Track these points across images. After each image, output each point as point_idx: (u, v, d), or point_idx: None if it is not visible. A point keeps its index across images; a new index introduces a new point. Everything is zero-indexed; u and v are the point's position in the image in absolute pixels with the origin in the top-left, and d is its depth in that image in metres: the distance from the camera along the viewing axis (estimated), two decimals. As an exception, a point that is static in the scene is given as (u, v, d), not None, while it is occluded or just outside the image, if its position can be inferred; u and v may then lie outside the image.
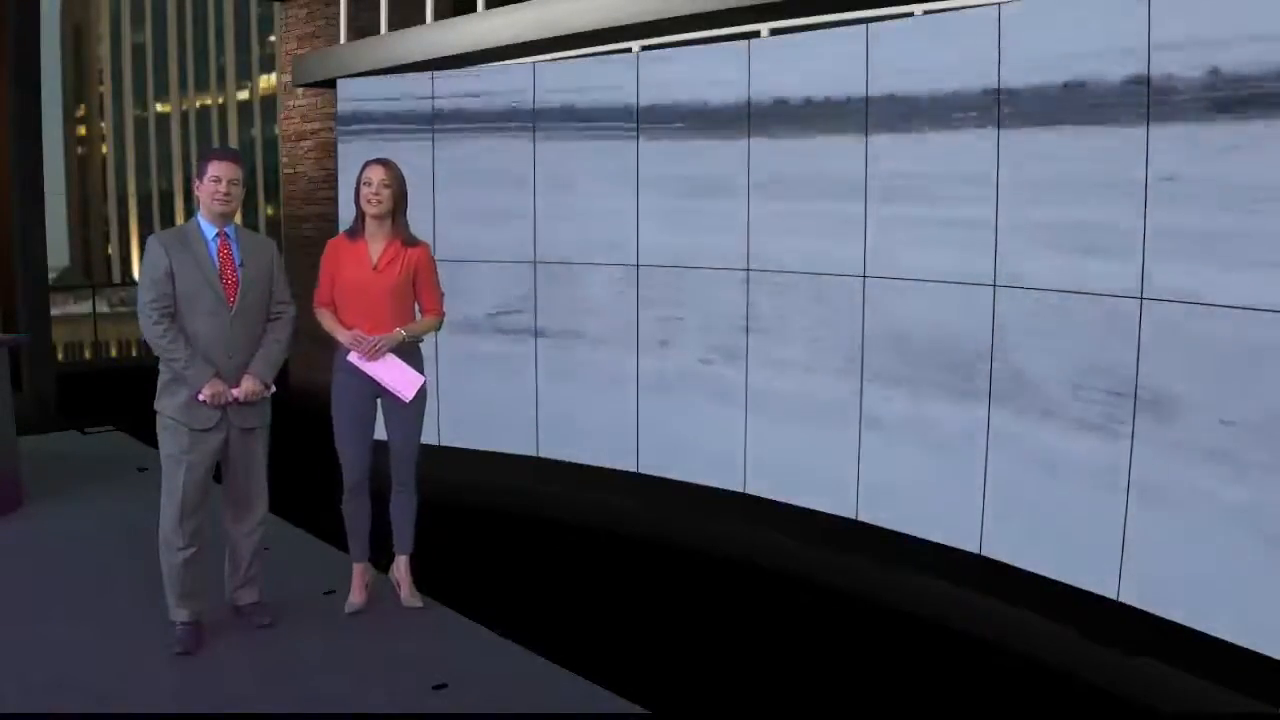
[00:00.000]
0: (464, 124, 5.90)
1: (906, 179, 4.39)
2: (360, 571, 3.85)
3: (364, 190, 3.66)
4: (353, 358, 3.65)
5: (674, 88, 5.20)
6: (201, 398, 3.35)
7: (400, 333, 3.67)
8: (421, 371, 3.74)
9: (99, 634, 3.61)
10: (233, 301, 3.41)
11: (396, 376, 3.66)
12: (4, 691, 3.21)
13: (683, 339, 5.26)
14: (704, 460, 5.22)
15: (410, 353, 3.74)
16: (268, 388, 3.49)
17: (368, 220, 3.69)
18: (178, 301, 3.35)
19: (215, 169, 3.39)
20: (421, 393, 3.73)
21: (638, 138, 5.33)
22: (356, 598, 3.82)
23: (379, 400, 3.75)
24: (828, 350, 4.72)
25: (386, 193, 3.64)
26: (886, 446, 4.55)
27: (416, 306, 3.78)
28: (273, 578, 3.78)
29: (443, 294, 3.82)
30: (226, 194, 3.39)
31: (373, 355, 3.62)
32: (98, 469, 5.89)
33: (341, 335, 3.66)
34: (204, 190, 3.40)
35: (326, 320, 3.71)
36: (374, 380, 3.66)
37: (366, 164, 3.71)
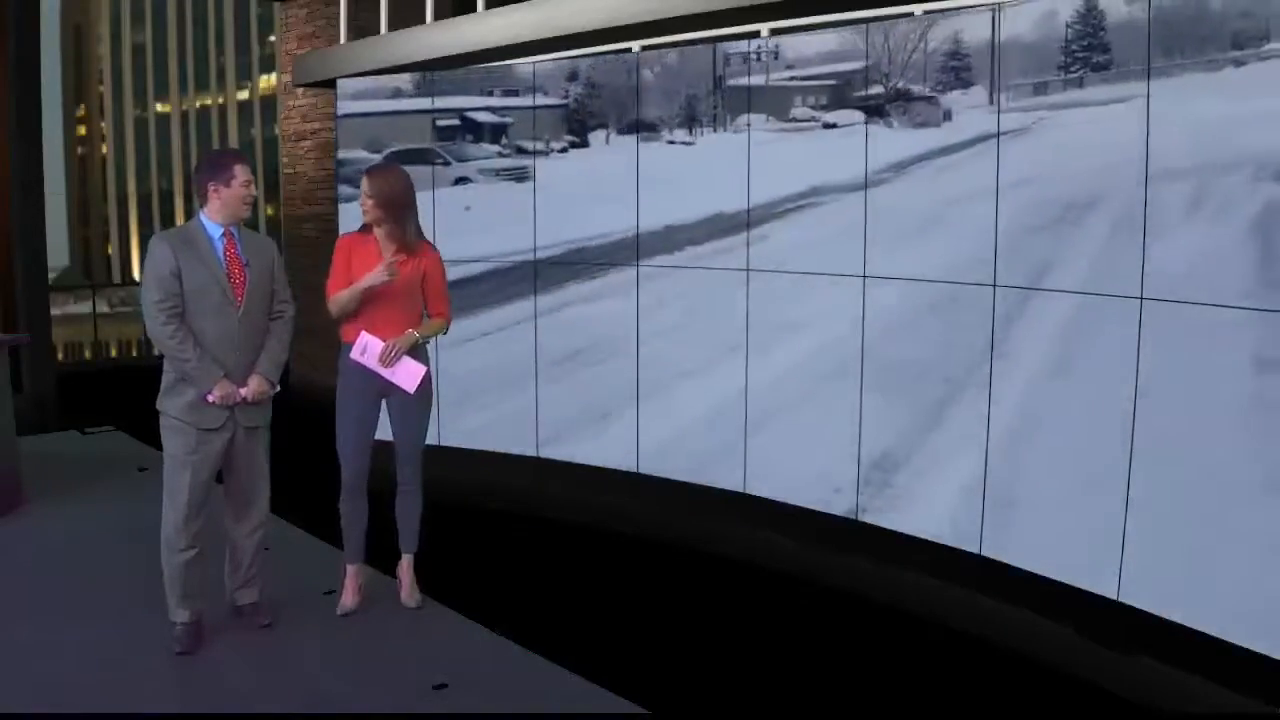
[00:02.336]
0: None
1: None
2: (353, 573, 3.84)
3: (361, 200, 3.70)
4: (355, 354, 3.65)
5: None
6: (211, 399, 3.35)
7: (414, 334, 3.68)
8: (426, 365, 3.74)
9: (99, 634, 3.61)
10: (240, 300, 3.40)
11: (399, 368, 3.66)
12: (4, 691, 3.21)
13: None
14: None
15: (416, 352, 3.74)
16: (273, 386, 3.50)
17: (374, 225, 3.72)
18: (185, 301, 3.34)
19: (244, 173, 3.40)
20: (427, 392, 3.74)
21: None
22: (348, 599, 3.81)
23: (385, 401, 3.75)
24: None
25: (370, 203, 3.66)
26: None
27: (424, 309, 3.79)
28: (273, 578, 3.77)
29: (450, 299, 3.84)
30: (253, 197, 3.42)
31: (390, 361, 3.62)
32: (98, 469, 5.88)
33: (368, 279, 3.56)
34: (232, 194, 3.38)
35: (344, 293, 3.64)
36: (378, 376, 3.66)
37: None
